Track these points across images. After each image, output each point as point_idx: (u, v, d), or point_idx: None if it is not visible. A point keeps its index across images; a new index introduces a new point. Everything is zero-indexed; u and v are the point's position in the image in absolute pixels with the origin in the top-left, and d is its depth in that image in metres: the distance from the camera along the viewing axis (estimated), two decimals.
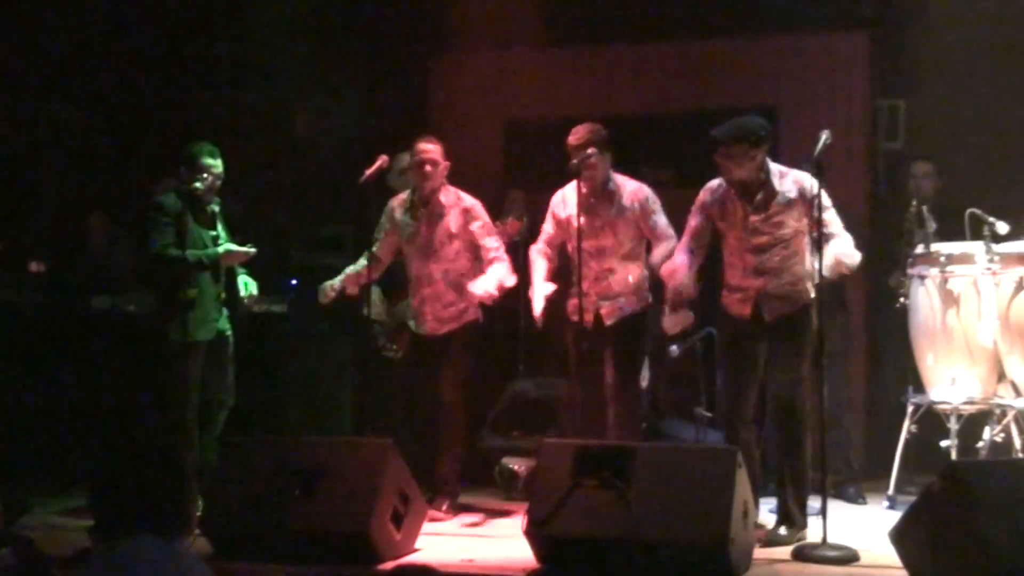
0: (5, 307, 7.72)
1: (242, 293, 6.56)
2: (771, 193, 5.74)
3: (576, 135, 6.20)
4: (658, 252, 6.22)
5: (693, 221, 5.94)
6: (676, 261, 5.91)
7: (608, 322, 6.29)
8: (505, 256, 6.51)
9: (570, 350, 6.36)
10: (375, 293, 7.10)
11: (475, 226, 6.49)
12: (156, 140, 8.57)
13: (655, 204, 6.33)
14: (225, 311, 6.52)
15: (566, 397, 6.86)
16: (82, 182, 8.82)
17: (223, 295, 6.51)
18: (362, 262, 6.58)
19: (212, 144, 6.47)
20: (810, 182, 5.63)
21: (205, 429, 6.37)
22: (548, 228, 6.48)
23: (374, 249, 6.55)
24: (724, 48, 8.72)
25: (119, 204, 8.50)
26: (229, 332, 6.52)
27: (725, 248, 5.91)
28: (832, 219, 5.69)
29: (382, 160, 6.41)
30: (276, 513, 5.28)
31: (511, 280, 6.44)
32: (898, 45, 8.25)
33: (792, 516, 5.66)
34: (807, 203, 5.67)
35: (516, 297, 7.66)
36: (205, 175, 6.34)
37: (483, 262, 6.47)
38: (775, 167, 5.80)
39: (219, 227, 6.54)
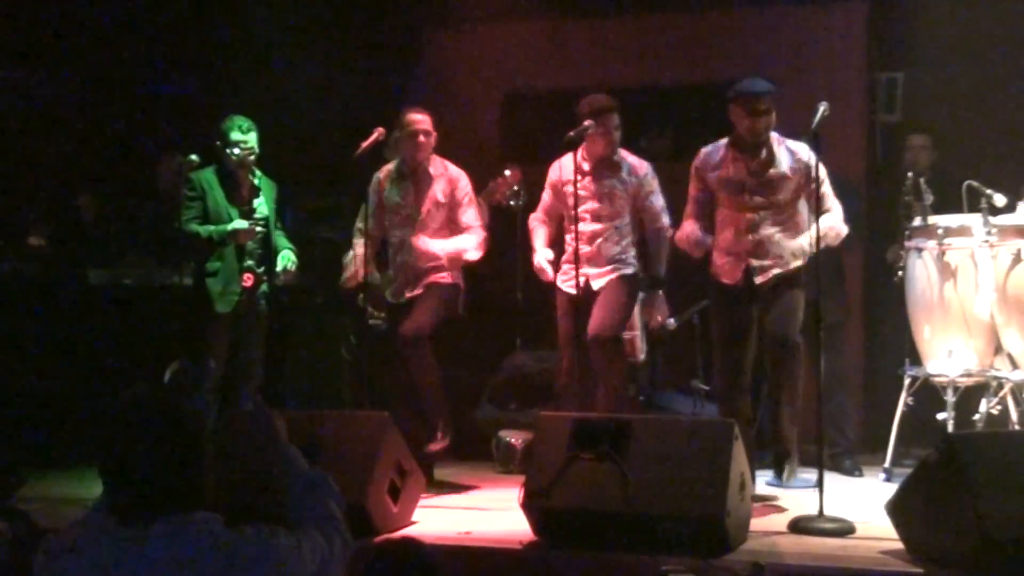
0: (3, 280, 7.72)
1: (278, 268, 6.60)
2: (771, 156, 5.87)
3: (594, 103, 6.24)
4: (652, 240, 6.34)
5: (693, 189, 6.07)
6: (687, 228, 6.02)
7: (596, 287, 6.33)
8: (481, 232, 6.54)
9: (559, 320, 6.39)
10: (349, 259, 7.15)
11: (459, 195, 6.52)
12: (155, 115, 8.55)
13: (654, 182, 6.35)
14: (264, 287, 6.61)
15: (557, 369, 6.84)
16: (81, 157, 8.79)
17: (251, 269, 6.55)
18: (360, 241, 6.58)
19: (244, 118, 6.52)
20: (807, 153, 5.70)
21: (228, 401, 6.41)
22: (546, 197, 6.53)
23: (360, 225, 6.61)
24: (723, 20, 8.69)
25: (118, 179, 8.48)
26: (264, 306, 6.57)
27: (718, 212, 5.98)
28: (827, 191, 5.80)
29: (378, 132, 6.39)
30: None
31: (474, 254, 6.52)
32: (896, 17, 8.22)
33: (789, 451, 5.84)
34: (803, 173, 5.75)
35: (513, 270, 7.68)
36: (237, 150, 6.39)
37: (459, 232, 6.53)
38: (774, 134, 5.87)
39: (259, 202, 6.59)
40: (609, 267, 6.35)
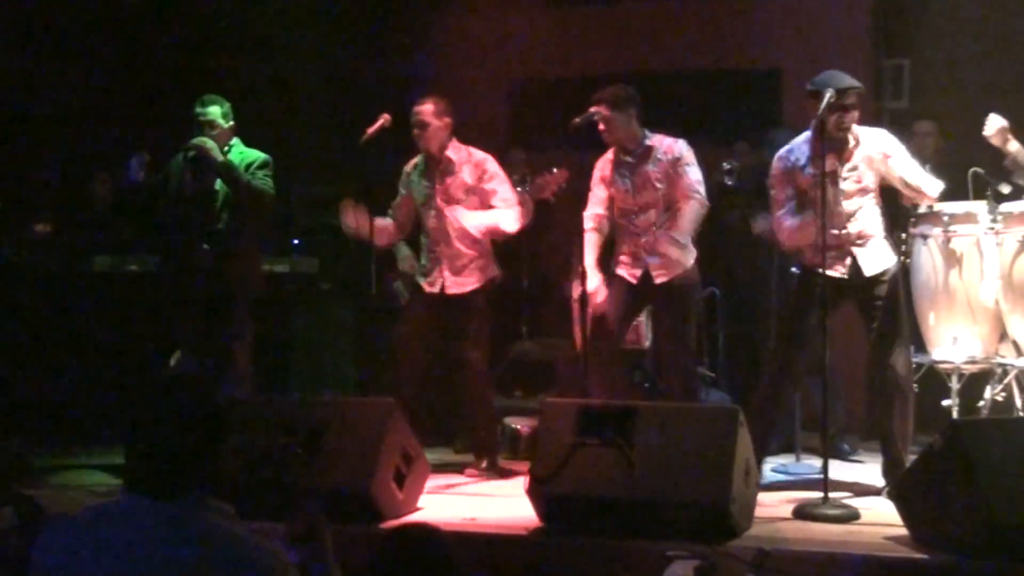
0: (9, 268, 7.73)
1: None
2: (857, 144, 5.81)
3: (602, 95, 6.20)
4: (684, 218, 6.14)
5: (780, 195, 5.90)
6: (791, 223, 5.84)
7: (658, 280, 6.24)
8: (518, 207, 6.45)
9: (576, 308, 6.34)
10: (403, 246, 7.21)
11: (488, 178, 6.44)
12: (159, 100, 8.54)
13: (690, 156, 6.26)
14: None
15: (566, 357, 6.85)
16: (86, 142, 8.79)
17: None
18: (388, 219, 6.61)
19: (210, 95, 6.47)
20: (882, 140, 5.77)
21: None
22: (598, 192, 6.38)
23: (391, 212, 6.60)
24: (729, 7, 8.68)
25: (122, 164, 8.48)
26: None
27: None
28: None
29: (384, 119, 6.38)
30: (278, 472, 5.29)
31: (511, 226, 6.42)
32: (902, 3, 8.20)
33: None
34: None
35: (518, 257, 7.68)
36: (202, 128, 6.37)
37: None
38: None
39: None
40: (671, 256, 6.18)
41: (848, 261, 5.80)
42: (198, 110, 6.43)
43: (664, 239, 6.14)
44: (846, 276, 5.79)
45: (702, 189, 6.21)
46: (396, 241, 6.83)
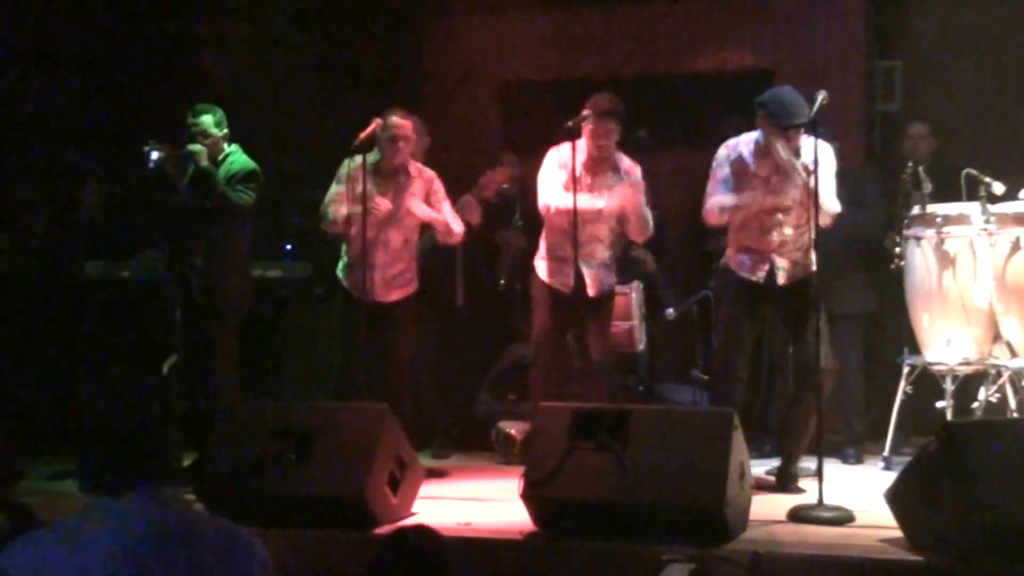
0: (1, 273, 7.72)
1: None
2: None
3: (604, 103, 6.23)
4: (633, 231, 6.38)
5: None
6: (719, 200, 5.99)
7: (591, 293, 6.36)
8: (461, 224, 6.64)
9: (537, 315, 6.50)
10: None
11: (434, 196, 6.61)
12: (147, 106, 8.53)
13: (642, 185, 6.41)
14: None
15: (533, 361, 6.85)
16: (74, 149, 8.77)
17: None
18: None
19: (202, 103, 6.48)
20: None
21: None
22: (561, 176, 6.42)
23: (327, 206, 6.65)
24: (722, 9, 8.68)
25: (113, 171, 8.46)
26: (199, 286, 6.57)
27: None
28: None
29: (375, 124, 6.38)
30: (272, 477, 5.28)
31: (456, 227, 6.60)
32: (895, 5, 8.21)
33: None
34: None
35: (512, 261, 7.67)
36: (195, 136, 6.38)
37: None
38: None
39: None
40: (602, 270, 6.45)
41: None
42: (190, 120, 6.46)
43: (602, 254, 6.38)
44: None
45: (648, 215, 6.34)
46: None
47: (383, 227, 6.50)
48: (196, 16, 8.96)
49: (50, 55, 8.81)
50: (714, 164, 6.05)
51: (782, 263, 5.94)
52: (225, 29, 8.92)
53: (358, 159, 6.48)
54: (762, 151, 5.90)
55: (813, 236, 5.72)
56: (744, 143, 6.00)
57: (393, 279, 6.57)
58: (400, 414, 5.82)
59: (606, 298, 6.49)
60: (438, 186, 6.65)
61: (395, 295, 6.59)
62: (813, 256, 5.82)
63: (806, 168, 5.68)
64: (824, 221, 5.69)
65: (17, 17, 8.63)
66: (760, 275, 5.97)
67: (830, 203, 5.81)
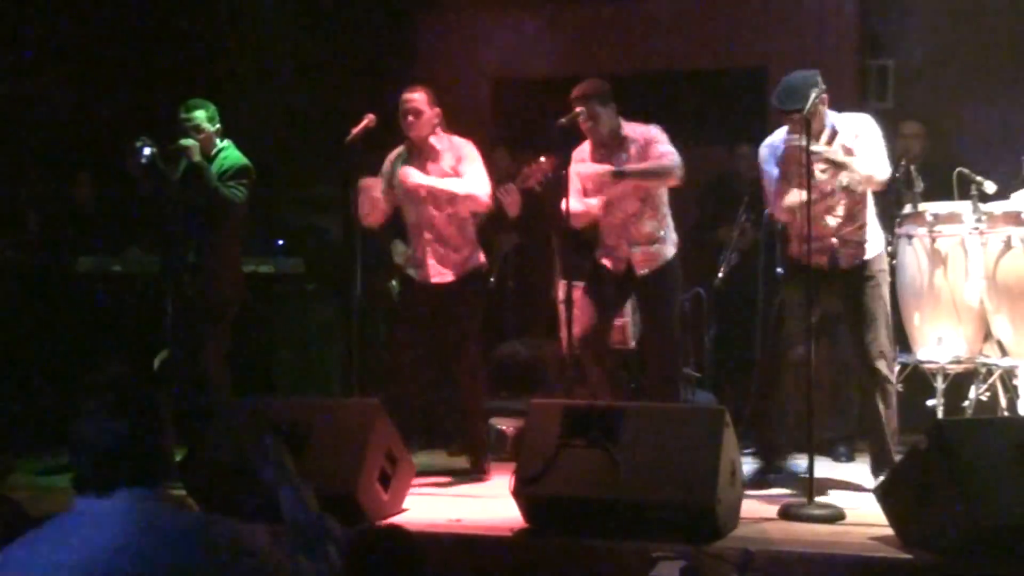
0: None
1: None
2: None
3: (574, 91, 6.19)
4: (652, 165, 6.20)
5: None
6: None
7: (641, 271, 6.29)
8: (488, 187, 6.38)
9: (562, 309, 6.35)
10: (399, 242, 7.15)
11: (462, 160, 6.39)
12: (144, 100, 8.51)
13: (661, 136, 6.26)
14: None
15: (552, 358, 6.82)
16: (70, 142, 8.76)
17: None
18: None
19: (195, 99, 6.46)
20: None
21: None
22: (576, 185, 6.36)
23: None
24: (714, 6, 8.69)
25: (108, 163, 8.45)
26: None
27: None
28: None
29: (368, 119, 6.35)
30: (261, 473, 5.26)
31: (474, 190, 6.31)
32: (887, 4, 8.21)
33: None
34: None
35: (503, 256, 7.66)
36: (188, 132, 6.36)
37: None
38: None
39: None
40: (654, 246, 6.30)
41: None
42: (183, 115, 6.42)
43: (645, 228, 6.23)
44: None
45: (677, 160, 6.15)
46: (381, 225, 6.69)
47: (419, 207, 6.40)
48: (192, 13, 8.96)
49: (46, 51, 8.80)
50: (761, 164, 5.97)
51: (840, 248, 5.87)
52: (220, 26, 8.93)
53: (396, 150, 6.49)
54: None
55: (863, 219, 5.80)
56: (779, 138, 5.91)
57: (443, 259, 6.41)
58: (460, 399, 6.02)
59: (659, 274, 6.34)
60: (467, 152, 6.42)
61: (449, 276, 6.42)
62: (869, 237, 5.86)
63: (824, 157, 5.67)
64: (873, 188, 5.74)
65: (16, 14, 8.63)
66: (820, 261, 5.83)
67: (874, 171, 5.73)
